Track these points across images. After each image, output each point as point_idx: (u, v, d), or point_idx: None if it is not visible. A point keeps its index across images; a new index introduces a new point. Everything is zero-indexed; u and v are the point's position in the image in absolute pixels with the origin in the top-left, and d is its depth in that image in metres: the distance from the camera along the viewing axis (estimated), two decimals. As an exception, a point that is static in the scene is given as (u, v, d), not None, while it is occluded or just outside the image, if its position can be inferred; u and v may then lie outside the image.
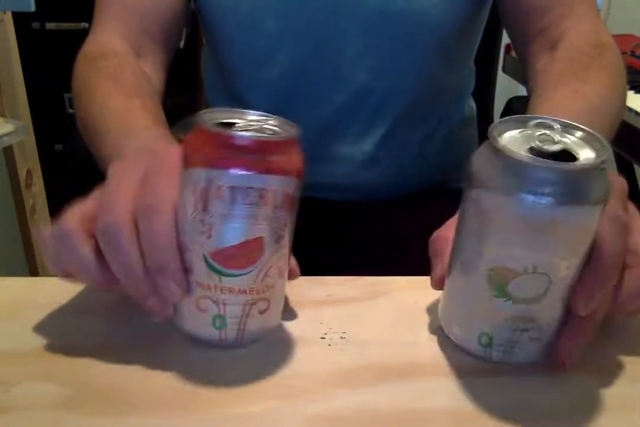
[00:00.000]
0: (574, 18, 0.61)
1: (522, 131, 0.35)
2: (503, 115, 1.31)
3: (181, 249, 0.35)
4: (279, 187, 0.35)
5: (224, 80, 0.75)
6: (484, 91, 0.98)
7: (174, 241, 0.35)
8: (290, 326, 0.42)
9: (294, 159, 0.36)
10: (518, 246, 0.33)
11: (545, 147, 0.34)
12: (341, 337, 0.41)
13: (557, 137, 0.34)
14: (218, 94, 0.78)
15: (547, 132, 0.35)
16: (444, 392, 0.36)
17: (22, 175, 1.46)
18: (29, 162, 1.49)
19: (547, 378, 0.37)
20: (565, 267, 0.34)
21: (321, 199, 0.73)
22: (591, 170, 0.32)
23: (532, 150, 0.34)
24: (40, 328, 0.41)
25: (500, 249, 0.34)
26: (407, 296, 0.46)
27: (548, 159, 0.32)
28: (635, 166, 1.55)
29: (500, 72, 1.18)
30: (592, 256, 0.34)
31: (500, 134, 0.35)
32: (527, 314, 0.35)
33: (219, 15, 0.69)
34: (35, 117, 1.53)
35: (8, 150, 1.41)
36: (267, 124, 0.37)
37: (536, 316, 0.35)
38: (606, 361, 0.38)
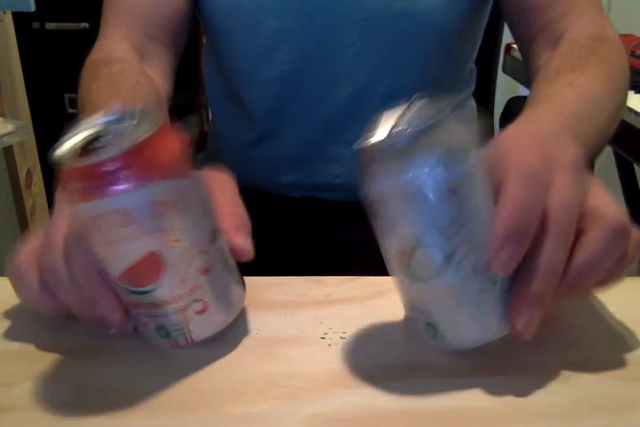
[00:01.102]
0: (576, 14, 0.61)
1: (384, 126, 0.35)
2: (503, 115, 1.31)
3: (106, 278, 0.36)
4: (143, 199, 0.33)
5: (224, 80, 0.75)
6: (484, 91, 0.99)
7: (94, 272, 0.36)
8: (290, 326, 0.42)
9: (155, 163, 0.33)
10: (399, 225, 0.35)
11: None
12: (341, 337, 0.41)
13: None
14: (218, 94, 0.78)
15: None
16: (444, 392, 0.36)
17: (22, 175, 1.46)
18: (29, 162, 1.49)
19: (548, 378, 0.37)
20: (452, 233, 0.33)
21: (321, 199, 0.73)
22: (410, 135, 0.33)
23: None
24: (40, 328, 0.41)
25: (392, 235, 0.35)
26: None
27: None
28: (635, 166, 1.56)
29: (500, 72, 1.18)
30: (498, 209, 0.34)
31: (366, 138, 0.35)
32: (446, 288, 0.34)
33: (220, 15, 0.69)
34: (35, 117, 1.53)
35: (8, 150, 1.41)
36: (127, 123, 0.35)
37: (459, 288, 0.34)
38: (607, 361, 0.38)
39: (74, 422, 0.34)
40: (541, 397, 0.35)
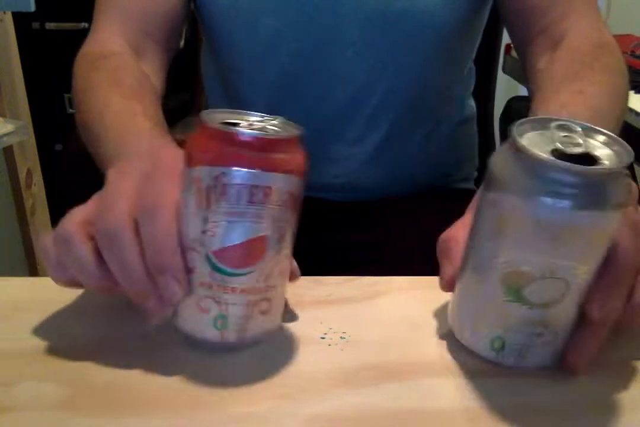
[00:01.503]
0: (575, 17, 0.61)
1: (542, 133, 0.35)
2: (503, 115, 1.31)
3: (183, 249, 0.35)
4: (283, 186, 0.35)
5: (224, 80, 0.75)
6: (484, 91, 0.98)
7: (176, 241, 0.35)
8: (290, 326, 0.42)
9: (298, 158, 0.36)
10: (535, 249, 0.33)
11: (568, 149, 0.33)
12: (341, 337, 0.41)
13: (579, 140, 0.34)
14: (218, 94, 0.78)
15: (569, 134, 0.34)
16: (444, 392, 0.36)
17: (22, 175, 1.46)
18: (29, 162, 1.49)
19: (550, 379, 0.37)
20: (583, 273, 0.33)
21: (321, 199, 0.73)
22: (613, 174, 0.32)
23: (554, 152, 0.33)
24: (40, 328, 0.41)
25: (517, 253, 0.34)
26: (408, 296, 0.46)
27: (570, 161, 0.31)
28: (635, 166, 1.55)
29: (500, 72, 1.18)
30: (609, 259, 0.34)
31: (521, 135, 0.34)
32: (543, 318, 0.35)
33: (219, 14, 0.69)
34: (35, 117, 1.53)
35: (8, 150, 1.41)
36: (270, 124, 0.37)
37: (551, 320, 0.35)
38: (605, 361, 0.38)
39: (74, 422, 0.34)
40: (541, 397, 0.36)
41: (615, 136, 0.35)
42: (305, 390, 0.36)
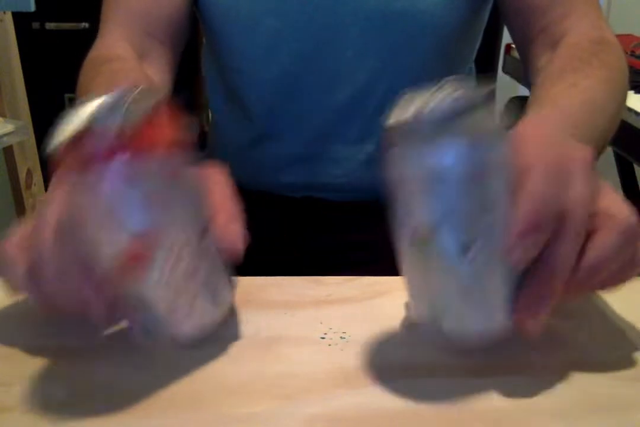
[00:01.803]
0: (576, 16, 0.61)
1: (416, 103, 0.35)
2: (503, 115, 1.31)
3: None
4: (136, 191, 0.33)
5: (224, 80, 0.75)
6: (484, 91, 0.98)
7: (84, 261, 0.35)
8: (290, 326, 0.42)
9: (152, 142, 0.33)
10: (427, 205, 0.33)
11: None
12: (341, 337, 0.41)
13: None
14: (218, 94, 0.78)
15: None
16: (444, 392, 0.36)
17: (22, 175, 1.47)
18: (29, 162, 1.49)
19: (549, 378, 0.37)
20: (479, 218, 0.33)
21: (321, 199, 0.73)
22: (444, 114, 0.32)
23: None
24: (40, 328, 0.41)
25: (417, 211, 0.34)
26: (407, 296, 0.46)
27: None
28: (635, 166, 1.56)
29: (500, 72, 1.18)
30: (517, 204, 0.33)
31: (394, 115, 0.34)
32: (463, 273, 0.34)
33: (219, 15, 0.69)
34: (35, 117, 1.53)
35: (8, 150, 1.42)
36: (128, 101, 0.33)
37: (474, 274, 0.34)
38: (605, 361, 0.38)
39: (74, 422, 0.34)
40: (541, 397, 0.36)
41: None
42: (305, 390, 0.36)
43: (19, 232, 0.38)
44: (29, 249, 0.36)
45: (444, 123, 0.32)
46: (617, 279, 0.37)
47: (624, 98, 0.57)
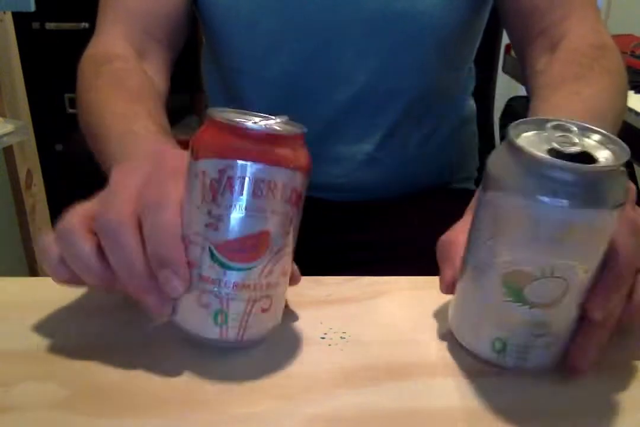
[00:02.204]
0: (574, 19, 0.61)
1: (539, 133, 0.35)
2: (503, 115, 1.31)
3: (185, 244, 0.35)
4: (289, 181, 0.35)
5: (224, 80, 0.75)
6: (484, 91, 0.98)
7: (178, 235, 0.35)
8: (290, 326, 0.42)
9: (303, 156, 0.36)
10: (534, 249, 0.33)
11: (564, 148, 0.33)
12: (341, 337, 0.41)
13: (575, 139, 0.34)
14: (218, 94, 0.78)
15: (566, 134, 0.34)
16: (444, 392, 0.36)
17: (22, 175, 1.46)
18: (29, 162, 1.49)
19: (550, 379, 0.37)
20: (583, 271, 0.33)
21: (321, 198, 0.73)
22: (610, 172, 0.32)
23: (551, 151, 0.33)
24: (40, 328, 0.41)
25: (516, 252, 0.34)
26: (408, 296, 0.46)
27: (567, 160, 0.32)
28: (635, 166, 1.55)
29: (500, 72, 1.18)
30: (609, 258, 0.34)
31: (519, 135, 0.34)
32: (543, 319, 0.35)
33: (220, 15, 0.69)
34: (35, 117, 1.53)
35: (8, 150, 1.41)
36: (275, 122, 0.37)
37: (552, 320, 0.35)
38: (606, 361, 0.38)
39: (74, 422, 0.34)
40: (541, 398, 0.36)
41: (611, 135, 0.35)
42: (305, 390, 0.36)
43: (84, 207, 0.37)
44: (104, 219, 0.35)
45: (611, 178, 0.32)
46: None
47: (625, 102, 0.57)
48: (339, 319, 0.43)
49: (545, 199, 0.32)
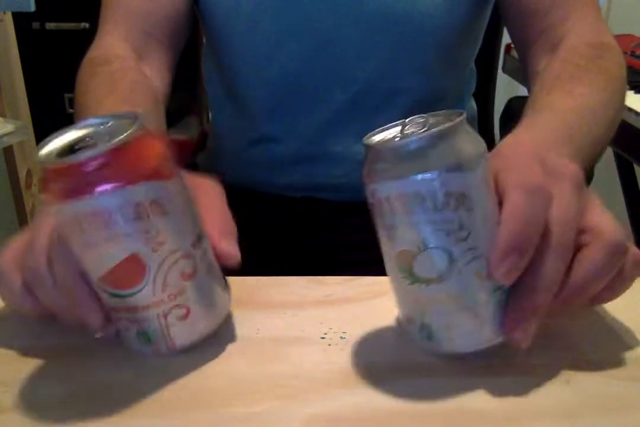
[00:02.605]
0: (575, 19, 0.61)
1: (393, 130, 0.36)
2: (503, 115, 1.31)
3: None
4: (123, 200, 0.33)
5: (224, 80, 0.75)
6: (484, 91, 0.98)
7: (77, 276, 0.36)
8: (290, 326, 0.42)
9: (135, 164, 0.33)
10: (402, 227, 0.34)
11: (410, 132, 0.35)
12: (341, 337, 0.41)
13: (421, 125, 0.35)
14: (218, 94, 0.78)
15: (414, 124, 0.36)
16: (444, 392, 0.36)
17: (22, 175, 1.47)
18: (29, 162, 1.49)
19: (549, 378, 0.37)
20: (458, 238, 0.34)
21: (321, 198, 0.73)
22: (433, 136, 0.33)
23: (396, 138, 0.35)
24: (40, 328, 0.41)
25: (393, 234, 0.35)
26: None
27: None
28: (635, 166, 1.56)
29: (500, 72, 1.18)
30: (501, 218, 0.34)
31: (371, 138, 0.36)
32: (446, 293, 0.35)
33: (220, 15, 0.69)
34: (35, 117, 1.53)
35: (8, 150, 1.42)
36: (107, 127, 0.35)
37: (457, 294, 0.35)
38: (606, 361, 0.38)
39: (73, 422, 0.34)
40: (541, 398, 0.35)
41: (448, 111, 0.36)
42: (305, 390, 0.36)
43: (13, 246, 0.39)
44: (24, 261, 0.37)
45: (429, 142, 0.33)
46: (606, 294, 0.37)
47: (621, 106, 0.57)
48: (339, 319, 0.43)
49: (385, 178, 0.34)
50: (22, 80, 1.47)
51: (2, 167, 1.44)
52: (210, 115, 0.86)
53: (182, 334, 0.37)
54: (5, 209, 1.47)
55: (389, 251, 0.36)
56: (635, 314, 0.43)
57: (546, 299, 0.35)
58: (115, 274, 0.35)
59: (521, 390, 0.36)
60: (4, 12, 1.39)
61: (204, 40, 0.78)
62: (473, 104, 0.83)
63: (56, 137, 0.36)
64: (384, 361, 0.39)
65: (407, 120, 0.36)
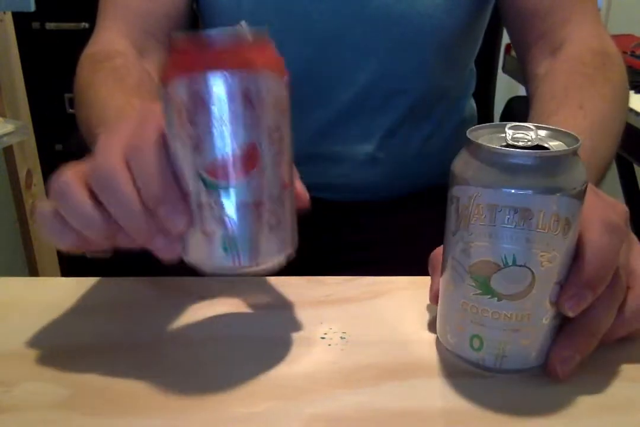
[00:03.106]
0: (575, 22, 0.62)
1: (497, 134, 0.36)
2: (503, 115, 1.31)
3: (177, 176, 0.34)
4: (264, 86, 0.33)
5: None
6: (484, 91, 0.98)
7: (165, 170, 0.34)
8: (290, 326, 0.42)
9: (273, 58, 0.34)
10: (495, 237, 0.34)
11: (520, 143, 0.35)
12: (341, 337, 0.41)
13: (531, 135, 0.35)
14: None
15: (521, 131, 0.36)
16: (444, 392, 0.36)
17: (22, 175, 1.47)
18: (29, 162, 1.49)
19: (549, 378, 0.37)
20: (547, 260, 0.34)
21: (321, 198, 0.73)
22: (563, 157, 0.33)
23: (507, 146, 0.34)
24: (41, 328, 0.41)
25: (479, 242, 0.34)
26: (407, 296, 0.46)
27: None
28: (635, 166, 1.55)
29: (500, 72, 1.18)
30: (578, 255, 0.35)
31: (477, 137, 0.36)
32: (514, 311, 0.35)
33: (221, 16, 0.69)
34: (35, 117, 1.53)
35: (8, 150, 1.42)
36: (235, 30, 0.34)
37: (524, 314, 0.35)
38: (605, 361, 0.38)
39: (74, 422, 0.34)
40: (542, 398, 0.36)
41: (564, 130, 0.36)
42: (305, 390, 0.36)
43: (72, 168, 0.37)
44: (94, 177, 0.35)
45: (556, 166, 0.33)
46: None
47: (625, 114, 0.58)
48: (339, 319, 0.43)
49: (503, 186, 0.33)
50: (22, 80, 1.47)
51: (2, 167, 1.44)
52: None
53: (268, 246, 0.35)
54: (5, 209, 1.47)
55: (463, 257, 0.36)
56: (635, 314, 0.43)
57: (596, 339, 0.36)
58: (226, 162, 0.33)
59: (521, 390, 0.36)
60: (4, 12, 1.39)
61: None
62: (473, 104, 0.83)
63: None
64: (384, 361, 0.39)
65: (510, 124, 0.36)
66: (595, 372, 0.37)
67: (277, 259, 0.36)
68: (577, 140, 0.34)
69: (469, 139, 0.35)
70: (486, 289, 0.35)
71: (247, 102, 0.32)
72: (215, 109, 0.32)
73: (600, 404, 0.35)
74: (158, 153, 0.34)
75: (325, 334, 0.41)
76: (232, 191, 0.34)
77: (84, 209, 0.35)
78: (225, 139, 0.33)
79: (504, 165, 0.33)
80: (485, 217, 0.34)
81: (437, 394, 0.36)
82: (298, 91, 0.69)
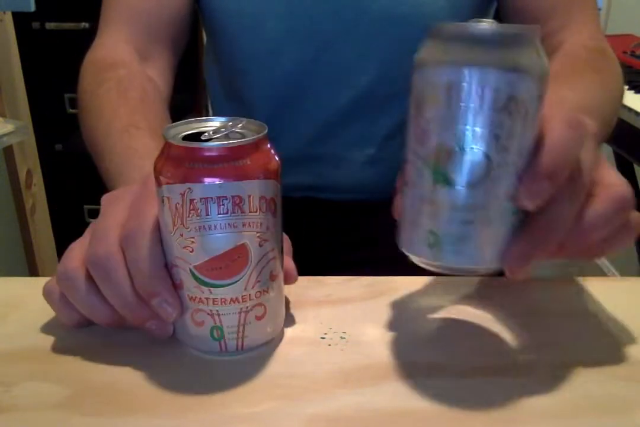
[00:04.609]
0: (574, 27, 0.63)
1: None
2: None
3: (169, 267, 0.36)
4: (255, 192, 0.35)
5: (226, 81, 0.75)
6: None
7: (158, 264, 0.36)
8: (290, 326, 0.42)
9: (266, 161, 0.35)
10: (451, 120, 0.33)
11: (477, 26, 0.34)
12: (341, 337, 0.41)
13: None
14: (220, 95, 0.78)
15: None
16: (444, 392, 0.36)
17: (22, 175, 1.47)
18: (29, 162, 1.49)
19: (548, 379, 0.37)
20: (503, 148, 0.32)
21: (321, 199, 0.73)
22: (523, 36, 0.33)
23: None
24: (40, 328, 0.41)
25: (434, 127, 0.33)
26: (407, 296, 0.46)
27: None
28: (635, 166, 1.56)
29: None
30: (538, 146, 0.33)
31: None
32: (471, 201, 0.33)
33: (223, 17, 0.69)
34: (35, 117, 1.53)
35: (8, 150, 1.42)
36: (235, 128, 0.36)
37: (480, 205, 0.34)
38: (605, 361, 0.38)
39: (74, 422, 0.34)
40: (541, 398, 0.36)
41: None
42: (305, 390, 0.36)
43: (77, 252, 0.39)
44: (94, 252, 0.37)
45: (510, 37, 0.32)
46: (610, 245, 0.37)
47: (618, 102, 0.58)
48: (339, 319, 0.43)
49: (463, 65, 0.32)
50: (22, 80, 1.47)
51: (2, 167, 1.44)
52: (210, 115, 0.86)
53: (254, 333, 0.38)
54: (5, 209, 1.47)
55: (419, 145, 0.34)
56: (634, 314, 0.43)
57: (553, 239, 0.35)
58: (219, 262, 0.35)
59: (521, 390, 0.36)
60: (4, 12, 1.39)
61: (205, 41, 0.78)
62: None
63: (190, 123, 0.37)
64: (384, 361, 0.39)
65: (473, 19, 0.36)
66: (596, 372, 0.37)
67: (262, 341, 0.39)
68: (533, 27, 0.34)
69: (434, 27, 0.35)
70: (440, 176, 0.33)
71: (235, 209, 0.34)
72: (204, 216, 0.34)
73: (601, 404, 0.35)
74: (151, 247, 0.36)
75: (325, 334, 0.41)
76: (222, 289, 0.36)
77: (90, 301, 0.38)
78: (216, 243, 0.35)
79: (462, 44, 0.33)
80: (432, 99, 0.34)
81: (437, 394, 0.36)
82: (299, 92, 0.70)
